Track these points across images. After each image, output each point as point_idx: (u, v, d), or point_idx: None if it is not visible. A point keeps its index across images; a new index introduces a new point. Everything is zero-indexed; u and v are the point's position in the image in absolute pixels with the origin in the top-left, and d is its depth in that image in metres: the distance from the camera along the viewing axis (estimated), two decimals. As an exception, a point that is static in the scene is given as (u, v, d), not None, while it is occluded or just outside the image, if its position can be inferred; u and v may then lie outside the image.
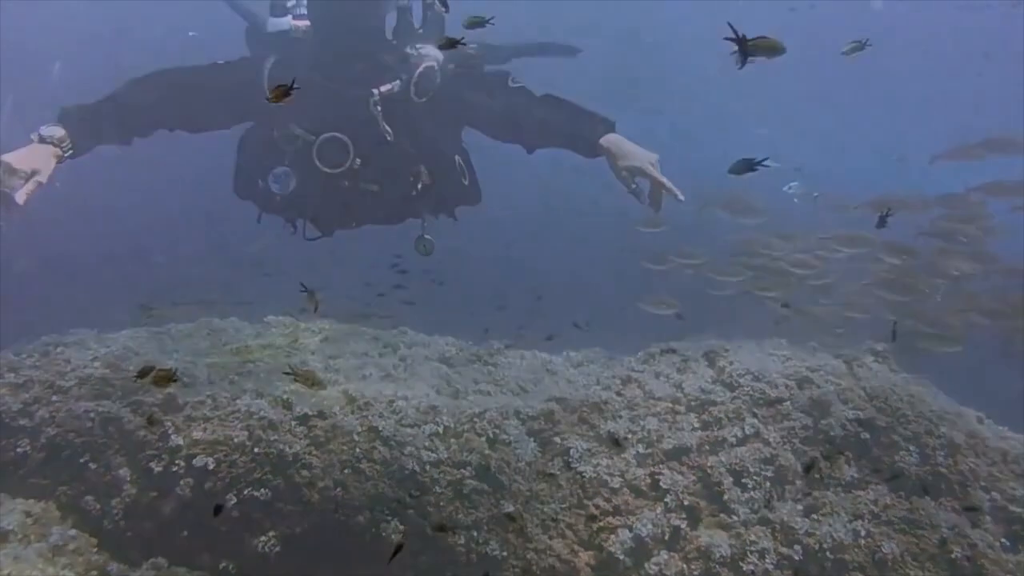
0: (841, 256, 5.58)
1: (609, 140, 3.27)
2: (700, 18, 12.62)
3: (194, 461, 3.75)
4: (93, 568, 3.52)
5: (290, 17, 3.62)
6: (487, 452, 3.98)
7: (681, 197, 3.12)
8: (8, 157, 2.91)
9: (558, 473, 4.05)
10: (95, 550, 3.62)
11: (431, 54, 3.55)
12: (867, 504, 3.94)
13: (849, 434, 4.22)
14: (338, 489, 3.74)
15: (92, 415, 3.91)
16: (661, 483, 4.02)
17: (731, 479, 4.05)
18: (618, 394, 4.62)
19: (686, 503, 3.95)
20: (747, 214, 5.81)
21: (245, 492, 3.69)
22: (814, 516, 3.90)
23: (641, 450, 4.20)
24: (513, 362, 5.23)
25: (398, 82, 3.49)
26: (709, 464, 4.10)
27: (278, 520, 3.70)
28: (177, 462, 3.77)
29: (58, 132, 3.13)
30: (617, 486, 4.03)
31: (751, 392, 4.49)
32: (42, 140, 3.11)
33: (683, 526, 3.87)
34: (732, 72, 2.19)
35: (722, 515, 3.94)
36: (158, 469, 3.78)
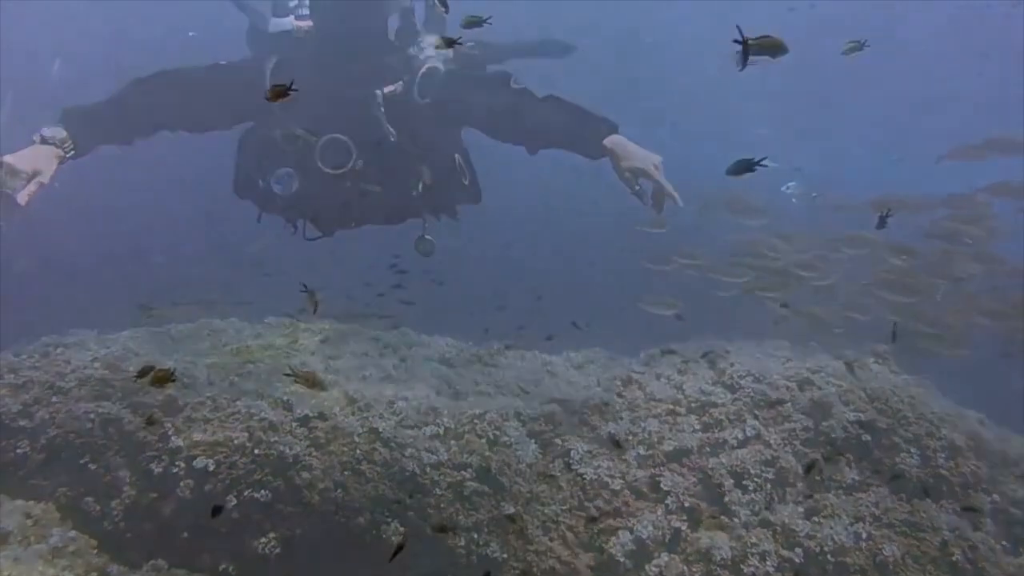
0: (842, 257, 5.57)
1: (612, 142, 3.28)
2: (700, 18, 12.62)
3: (194, 462, 3.74)
4: (93, 570, 3.51)
5: (292, 17, 3.61)
6: (487, 454, 3.97)
7: (680, 204, 3.13)
8: (10, 158, 2.91)
9: (559, 475, 4.04)
10: (95, 552, 3.62)
11: (434, 54, 3.54)
12: (868, 506, 3.94)
13: (850, 436, 4.21)
14: (338, 491, 3.73)
15: (92, 416, 3.90)
16: (662, 485, 4.02)
17: (732, 481, 4.04)
18: (619, 395, 4.61)
19: (687, 505, 3.94)
20: (748, 215, 5.80)
21: (245, 494, 3.69)
22: (815, 518, 3.90)
23: (642, 452, 4.20)
24: (513, 363, 5.23)
25: (401, 83, 3.49)
26: (710, 466, 4.09)
27: (278, 522, 3.69)
28: (177, 463, 3.76)
29: (60, 133, 3.14)
30: (618, 488, 4.02)
31: (752, 394, 4.48)
32: (44, 141, 3.11)
33: (684, 528, 3.86)
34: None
35: (723, 517, 3.93)
36: (158, 470, 3.77)
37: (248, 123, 3.71)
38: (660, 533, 3.82)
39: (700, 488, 4.05)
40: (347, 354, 4.96)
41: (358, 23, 3.39)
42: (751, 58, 2.10)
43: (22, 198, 2.89)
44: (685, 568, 3.71)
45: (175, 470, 3.74)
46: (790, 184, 6.22)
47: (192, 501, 3.70)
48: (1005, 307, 5.22)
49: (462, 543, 3.70)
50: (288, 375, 1.85)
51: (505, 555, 3.71)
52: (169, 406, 4.01)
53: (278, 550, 3.64)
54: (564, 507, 3.93)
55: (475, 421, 4.14)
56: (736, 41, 1.95)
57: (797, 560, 3.72)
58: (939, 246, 5.44)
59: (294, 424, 3.92)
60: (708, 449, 4.21)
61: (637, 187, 3.18)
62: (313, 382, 1.79)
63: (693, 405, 4.50)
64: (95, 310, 5.18)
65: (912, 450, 4.20)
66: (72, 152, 3.17)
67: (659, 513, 3.92)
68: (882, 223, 3.32)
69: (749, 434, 4.24)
